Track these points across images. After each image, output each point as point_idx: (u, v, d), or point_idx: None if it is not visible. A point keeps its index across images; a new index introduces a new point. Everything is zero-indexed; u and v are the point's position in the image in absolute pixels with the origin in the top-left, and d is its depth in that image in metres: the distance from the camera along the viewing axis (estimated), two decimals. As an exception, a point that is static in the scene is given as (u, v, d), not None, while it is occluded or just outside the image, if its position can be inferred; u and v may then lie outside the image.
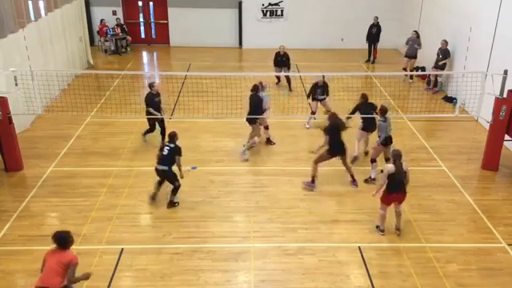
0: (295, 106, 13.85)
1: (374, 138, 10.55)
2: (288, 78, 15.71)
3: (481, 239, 8.54)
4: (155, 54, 20.79)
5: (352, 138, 10.86)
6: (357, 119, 11.14)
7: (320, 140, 9.97)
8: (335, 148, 9.69)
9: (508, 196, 9.88)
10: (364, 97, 11.03)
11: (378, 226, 8.63)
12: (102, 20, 19.97)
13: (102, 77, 16.46)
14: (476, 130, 12.77)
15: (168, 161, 8.97)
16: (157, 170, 9.08)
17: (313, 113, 12.91)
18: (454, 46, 15.08)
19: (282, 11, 20.94)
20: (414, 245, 8.20)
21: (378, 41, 18.90)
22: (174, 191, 9.19)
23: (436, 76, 15.55)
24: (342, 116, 10.46)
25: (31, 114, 11.91)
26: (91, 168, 10.66)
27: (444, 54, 15.06)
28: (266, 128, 11.72)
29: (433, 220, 9.01)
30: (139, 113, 11.71)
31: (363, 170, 10.48)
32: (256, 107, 10.99)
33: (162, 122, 11.58)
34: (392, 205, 8.40)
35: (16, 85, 10.64)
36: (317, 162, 9.83)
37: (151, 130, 11.63)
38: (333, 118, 9.91)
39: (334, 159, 9.90)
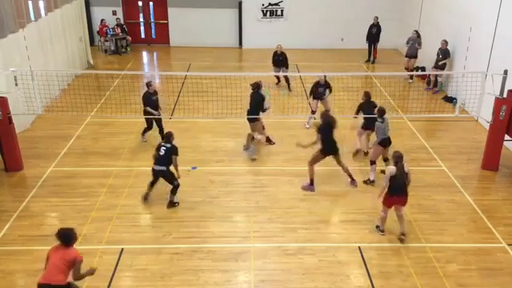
0: (295, 106, 13.85)
1: (374, 137, 10.53)
2: (286, 78, 15.72)
3: (481, 239, 8.54)
4: (155, 53, 20.79)
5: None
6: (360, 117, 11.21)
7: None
8: (328, 147, 9.67)
9: (508, 196, 9.88)
10: (367, 95, 11.14)
11: (377, 226, 8.63)
12: (102, 20, 19.98)
13: (102, 77, 16.46)
14: (476, 130, 12.77)
15: (165, 161, 8.96)
16: (154, 170, 9.07)
17: (313, 112, 12.92)
18: (454, 46, 15.09)
19: (281, 11, 20.94)
20: (414, 245, 8.20)
21: (377, 41, 18.90)
22: (174, 191, 9.19)
23: (436, 76, 15.55)
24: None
25: (31, 114, 11.91)
26: (91, 168, 10.66)
27: (444, 54, 15.06)
28: (262, 128, 11.72)
29: (433, 220, 9.01)
30: (139, 113, 11.71)
31: (363, 170, 10.48)
32: (257, 105, 10.99)
33: (159, 121, 11.59)
34: (393, 209, 8.33)
35: (16, 85, 10.65)
36: (312, 163, 9.83)
37: (149, 128, 11.66)
38: (325, 116, 9.88)
39: (335, 161, 9.90)
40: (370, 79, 16.88)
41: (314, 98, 12.86)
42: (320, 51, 20.44)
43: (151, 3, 21.26)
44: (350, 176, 10.03)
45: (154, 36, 21.76)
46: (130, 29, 20.73)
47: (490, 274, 7.68)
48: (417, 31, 16.86)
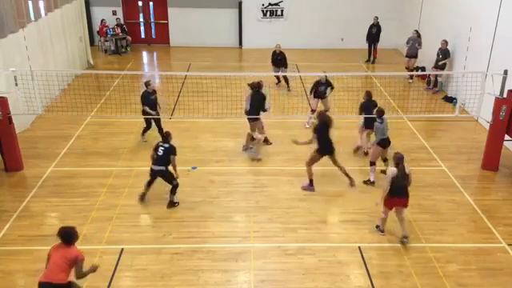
0: (295, 106, 13.85)
1: (374, 136, 10.54)
2: (285, 78, 15.74)
3: (481, 239, 8.54)
4: (155, 53, 20.79)
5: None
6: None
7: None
8: (324, 147, 9.66)
9: (508, 196, 9.88)
10: (368, 94, 11.21)
11: (377, 226, 8.62)
12: (102, 20, 19.98)
13: (102, 77, 16.47)
14: (476, 130, 12.77)
15: (164, 161, 8.96)
16: (153, 170, 9.06)
17: (313, 111, 12.93)
18: (454, 46, 15.09)
19: (281, 11, 20.95)
20: (414, 245, 8.19)
21: (377, 41, 18.91)
22: (173, 190, 9.19)
23: (436, 76, 15.55)
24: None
25: (31, 114, 11.91)
26: (91, 168, 10.66)
27: (444, 54, 15.06)
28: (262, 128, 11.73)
29: (433, 220, 9.01)
30: (139, 113, 11.71)
31: (363, 170, 10.48)
32: (258, 105, 10.98)
33: (158, 120, 11.60)
34: (394, 211, 8.26)
35: (16, 85, 10.65)
36: (309, 163, 9.83)
37: (148, 127, 11.68)
38: (322, 116, 9.87)
39: (331, 161, 9.89)
40: (370, 79, 16.88)
41: (314, 97, 12.86)
42: (320, 51, 20.44)
43: (151, 3, 21.27)
44: (348, 176, 10.02)
45: (154, 36, 21.77)
46: (129, 29, 20.73)
47: (490, 273, 7.68)
48: (417, 31, 16.86)
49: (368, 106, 11.02)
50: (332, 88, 12.84)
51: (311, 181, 9.89)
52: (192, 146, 11.75)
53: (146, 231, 8.68)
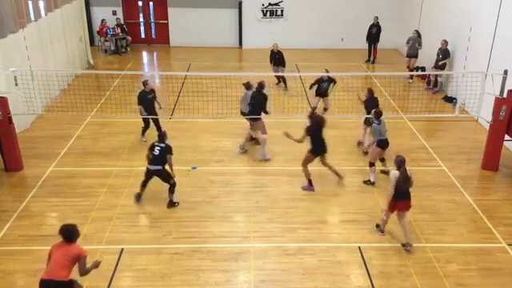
0: (295, 106, 13.84)
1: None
2: (283, 78, 15.78)
3: (481, 239, 8.54)
4: (155, 53, 20.80)
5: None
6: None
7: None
8: (318, 147, 9.66)
9: (508, 196, 9.88)
10: (370, 92, 11.31)
11: (378, 226, 8.60)
12: (103, 20, 19.98)
13: (102, 77, 16.47)
14: (476, 130, 12.77)
15: (160, 160, 8.95)
16: (149, 170, 9.04)
17: (314, 109, 12.98)
18: (454, 46, 15.09)
19: (281, 11, 20.95)
20: (414, 245, 8.18)
21: (377, 41, 18.91)
22: (171, 189, 9.18)
23: (436, 76, 15.55)
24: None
25: (31, 114, 11.90)
26: (91, 168, 10.66)
27: (444, 54, 15.06)
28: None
29: (433, 220, 9.01)
30: (139, 112, 11.71)
31: (363, 170, 10.48)
32: (260, 105, 10.98)
33: (156, 120, 11.60)
34: (396, 214, 8.17)
35: (16, 85, 10.65)
36: (304, 164, 9.83)
37: (146, 127, 11.68)
38: (314, 117, 9.84)
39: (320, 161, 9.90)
40: (370, 79, 16.88)
41: (316, 95, 12.89)
42: (320, 51, 20.44)
43: (151, 3, 21.27)
44: (337, 173, 10.02)
45: (154, 36, 21.77)
46: (129, 29, 20.73)
47: (490, 273, 7.68)
48: (417, 31, 16.86)
49: (370, 103, 11.08)
50: (335, 83, 12.87)
51: (310, 181, 9.90)
52: (192, 146, 11.76)
53: (146, 231, 8.68)
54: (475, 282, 7.49)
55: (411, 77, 16.74)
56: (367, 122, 10.99)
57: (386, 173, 10.41)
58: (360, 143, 11.48)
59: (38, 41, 13.69)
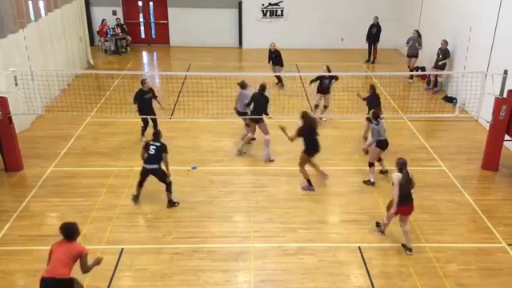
0: (295, 106, 13.84)
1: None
2: (279, 76, 15.85)
3: (481, 239, 8.54)
4: (155, 53, 20.79)
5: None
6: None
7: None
8: (311, 146, 9.67)
9: (508, 196, 9.88)
10: (372, 88, 11.44)
11: (378, 225, 8.57)
12: (103, 20, 19.98)
13: (102, 77, 16.47)
14: (476, 130, 12.77)
15: (156, 159, 8.95)
16: (146, 169, 9.03)
17: (316, 106, 13.02)
18: (454, 46, 15.09)
19: (282, 11, 20.95)
20: (414, 245, 8.18)
21: (377, 41, 18.91)
22: (169, 188, 9.18)
23: (436, 76, 15.55)
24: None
25: (31, 114, 11.90)
26: (91, 168, 10.66)
27: (444, 54, 15.06)
28: (248, 126, 11.75)
29: (433, 220, 9.01)
30: (138, 112, 11.70)
31: (362, 170, 10.48)
32: (262, 107, 10.97)
33: (154, 119, 11.61)
34: (398, 218, 8.11)
35: (16, 85, 10.65)
36: (301, 165, 9.85)
37: (145, 126, 11.68)
38: (306, 118, 9.80)
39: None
40: (370, 79, 16.86)
41: (318, 92, 12.92)
42: (320, 51, 20.43)
43: (151, 3, 21.27)
44: (322, 173, 10.03)
45: (154, 36, 21.77)
46: (130, 29, 20.73)
47: (490, 273, 7.68)
48: (417, 31, 16.86)
49: (372, 99, 11.11)
50: (336, 79, 12.88)
51: (309, 181, 9.90)
52: (192, 146, 11.76)
53: (146, 231, 8.68)
54: (475, 282, 7.50)
55: (411, 77, 16.74)
56: (370, 119, 11.01)
57: (384, 172, 10.42)
58: (366, 138, 11.52)
59: (37, 41, 13.69)
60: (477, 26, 13.87)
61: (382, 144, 9.88)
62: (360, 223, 8.87)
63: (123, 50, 20.23)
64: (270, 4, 20.84)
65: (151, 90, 11.61)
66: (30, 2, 13.81)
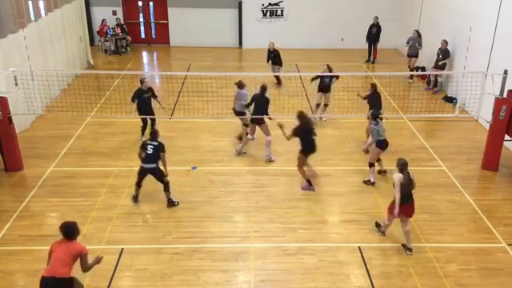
0: (295, 106, 13.82)
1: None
2: (277, 76, 15.90)
3: (481, 239, 8.54)
4: (155, 53, 20.79)
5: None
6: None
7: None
8: (308, 146, 9.67)
9: (508, 196, 9.88)
10: (373, 86, 11.50)
11: (378, 225, 8.56)
12: (103, 20, 19.98)
13: (102, 77, 16.46)
14: (476, 130, 12.77)
15: (154, 158, 8.95)
16: (143, 168, 9.02)
17: (317, 105, 13.04)
18: (454, 46, 15.08)
19: (282, 11, 20.95)
20: (414, 245, 8.18)
21: (377, 41, 18.91)
22: (166, 188, 9.18)
23: (436, 76, 15.55)
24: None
25: (31, 114, 11.90)
26: (91, 168, 10.66)
27: (444, 54, 15.06)
28: (246, 125, 11.75)
29: (433, 220, 9.01)
30: (137, 112, 11.70)
31: (362, 170, 10.48)
32: (262, 108, 10.97)
33: (153, 119, 11.60)
34: (399, 221, 8.09)
35: (16, 85, 10.65)
36: (300, 165, 9.85)
37: (144, 126, 11.68)
38: (302, 118, 9.81)
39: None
40: (370, 79, 16.85)
41: (319, 91, 12.95)
42: (320, 51, 20.43)
43: (151, 3, 21.27)
44: (314, 173, 10.05)
45: (154, 36, 21.77)
46: (130, 29, 20.73)
47: (490, 273, 7.68)
48: (417, 31, 16.86)
49: (373, 98, 11.13)
50: (337, 78, 12.91)
51: (309, 181, 9.90)
52: (192, 146, 11.76)
53: (146, 231, 8.67)
54: (475, 282, 7.50)
55: (411, 77, 16.74)
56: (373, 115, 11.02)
57: (382, 172, 10.42)
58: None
59: (37, 41, 13.69)
60: (477, 26, 13.87)
61: (382, 144, 9.88)
62: (360, 223, 8.87)
63: (123, 50, 20.23)
64: (270, 4, 20.85)
65: (150, 90, 11.61)
66: (29, 2, 13.81)
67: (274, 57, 15.85)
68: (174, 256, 7.94)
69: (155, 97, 11.75)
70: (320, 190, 9.93)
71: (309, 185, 9.91)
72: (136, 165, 10.58)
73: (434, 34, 16.30)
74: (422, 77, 16.75)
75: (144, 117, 11.57)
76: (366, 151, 11.11)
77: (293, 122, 9.93)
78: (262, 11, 20.96)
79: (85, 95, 13.35)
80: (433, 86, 15.92)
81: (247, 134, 11.69)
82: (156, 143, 8.97)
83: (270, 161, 11.05)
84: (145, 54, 20.75)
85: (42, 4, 14.64)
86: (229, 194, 9.81)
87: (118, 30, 19.89)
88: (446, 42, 14.99)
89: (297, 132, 9.66)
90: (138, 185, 9.25)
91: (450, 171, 10.74)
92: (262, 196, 9.73)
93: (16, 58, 12.07)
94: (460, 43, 14.81)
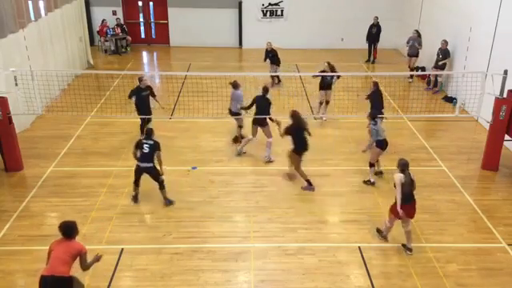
0: (295, 106, 13.80)
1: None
2: (277, 75, 15.95)
3: (481, 239, 8.54)
4: (155, 53, 20.79)
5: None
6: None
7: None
8: (300, 145, 9.69)
9: (508, 196, 9.88)
10: (375, 85, 11.45)
11: (379, 232, 8.44)
12: (103, 20, 19.98)
13: (102, 77, 16.46)
14: (476, 130, 12.77)
15: (150, 157, 8.94)
16: (140, 167, 9.00)
17: (321, 103, 13.05)
18: (454, 46, 15.08)
19: (282, 11, 20.95)
20: (414, 245, 8.17)
21: (377, 41, 18.91)
22: (162, 186, 9.18)
23: (436, 76, 15.55)
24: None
25: (31, 114, 11.90)
26: (91, 168, 10.66)
27: (444, 54, 15.06)
28: (240, 127, 11.76)
29: (433, 220, 9.01)
30: (136, 111, 11.70)
31: (362, 170, 10.48)
32: (264, 110, 10.97)
33: (149, 119, 11.61)
34: (400, 222, 8.05)
35: (16, 85, 10.65)
36: (297, 167, 9.85)
37: (142, 124, 11.67)
38: (296, 117, 9.82)
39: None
40: (370, 79, 16.85)
41: (320, 89, 12.96)
42: (320, 51, 20.41)
43: (151, 3, 21.27)
44: (291, 172, 10.09)
45: (154, 36, 21.77)
46: (130, 29, 20.73)
47: (490, 273, 7.68)
48: (417, 31, 16.86)
49: (375, 96, 11.13)
50: (338, 77, 12.93)
51: (308, 181, 9.90)
52: (192, 146, 11.76)
53: (146, 231, 8.67)
54: (475, 282, 7.50)
55: (411, 76, 16.74)
56: (372, 116, 11.00)
57: (378, 174, 10.41)
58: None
59: (38, 41, 13.69)
60: (477, 26, 13.87)
61: (382, 144, 9.88)
62: (360, 223, 8.87)
63: (123, 50, 20.23)
64: (270, 4, 20.84)
65: (149, 88, 11.61)
66: (29, 2, 13.81)
67: (272, 56, 15.86)
68: (174, 256, 7.94)
69: (154, 96, 11.75)
70: (320, 190, 9.93)
71: (309, 185, 9.91)
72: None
73: (434, 34, 16.30)
74: (422, 77, 16.75)
75: (143, 117, 11.54)
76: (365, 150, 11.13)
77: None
78: (262, 11, 20.96)
79: (85, 95, 13.35)
80: (433, 85, 15.92)
81: (242, 136, 11.70)
82: (152, 142, 8.96)
83: (270, 161, 11.05)
84: (145, 54, 20.75)
85: (41, 4, 14.64)
86: (229, 194, 9.81)
87: (118, 30, 19.89)
88: (445, 42, 14.99)
89: (289, 130, 9.71)
90: (136, 184, 9.25)
91: (449, 171, 10.74)
92: (261, 196, 9.73)
93: (16, 58, 12.07)
94: (460, 43, 14.81)
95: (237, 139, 11.80)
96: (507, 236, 8.58)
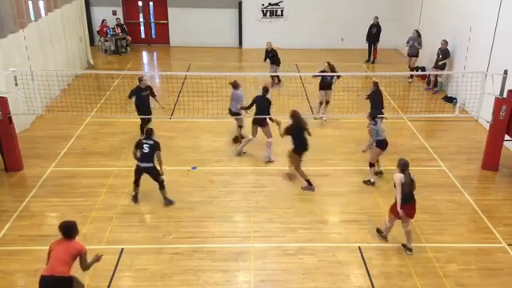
0: (295, 106, 13.79)
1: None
2: (277, 75, 15.97)
3: (481, 239, 8.54)
4: (155, 53, 20.79)
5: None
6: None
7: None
8: (300, 145, 9.70)
9: (508, 196, 9.88)
10: (375, 85, 11.45)
11: (380, 232, 8.44)
12: (103, 20, 19.98)
13: (102, 77, 16.47)
14: (476, 130, 12.77)
15: (150, 157, 8.94)
16: (140, 167, 9.00)
17: (321, 103, 13.04)
18: (454, 46, 15.08)
19: (282, 11, 20.95)
20: (414, 245, 8.17)
21: (377, 41, 18.91)
22: (162, 186, 9.18)
23: (436, 76, 15.55)
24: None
25: (31, 114, 11.90)
26: (91, 168, 10.66)
27: (444, 53, 15.06)
28: (240, 127, 11.75)
29: (433, 220, 9.01)
30: (136, 111, 11.70)
31: (362, 170, 10.48)
32: (264, 110, 10.97)
33: (149, 119, 11.61)
34: (400, 222, 8.05)
35: (16, 85, 10.65)
36: (297, 167, 9.86)
37: (142, 124, 11.67)
38: (295, 117, 9.82)
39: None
40: (370, 79, 16.84)
41: (320, 89, 12.97)
42: (320, 51, 20.41)
43: (151, 3, 21.27)
44: (291, 172, 10.10)
45: (154, 36, 21.77)
46: (130, 29, 20.73)
47: (490, 273, 7.68)
48: (417, 31, 16.87)
49: (375, 96, 11.13)
50: (338, 77, 12.94)
51: (308, 181, 9.90)
52: (192, 146, 11.76)
53: (146, 231, 8.67)
54: (475, 282, 7.50)
55: (411, 76, 16.74)
56: (372, 116, 11.01)
57: (378, 174, 10.41)
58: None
59: (38, 41, 13.69)
60: (477, 26, 13.87)
61: (382, 144, 9.88)
62: (360, 223, 8.87)
63: (123, 50, 20.23)
64: (270, 4, 20.84)
65: (149, 88, 11.61)
66: (30, 2, 13.81)
67: (272, 56, 15.88)
68: (174, 256, 7.94)
69: (154, 96, 11.75)
70: (320, 190, 9.93)
71: (309, 185, 9.91)
72: (136, 165, 10.62)
73: (434, 33, 16.30)
74: (422, 77, 16.75)
75: (143, 117, 11.55)
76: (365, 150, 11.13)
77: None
78: (262, 11, 20.96)
79: (85, 95, 13.35)
80: (433, 85, 15.92)
81: (242, 136, 11.70)
82: (152, 142, 8.97)
83: (270, 161, 11.05)
84: (145, 54, 20.75)
85: (41, 4, 14.65)
86: (229, 194, 9.81)
87: (118, 30, 19.89)
88: (445, 42, 14.99)
89: (289, 130, 9.72)
90: (136, 184, 9.26)
91: (449, 171, 10.74)
92: (261, 196, 9.73)
93: (16, 58, 12.07)
94: (460, 43, 14.81)
95: (237, 139, 11.81)
96: (507, 236, 8.58)
